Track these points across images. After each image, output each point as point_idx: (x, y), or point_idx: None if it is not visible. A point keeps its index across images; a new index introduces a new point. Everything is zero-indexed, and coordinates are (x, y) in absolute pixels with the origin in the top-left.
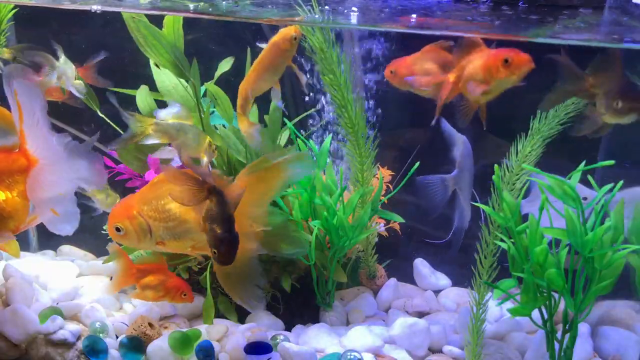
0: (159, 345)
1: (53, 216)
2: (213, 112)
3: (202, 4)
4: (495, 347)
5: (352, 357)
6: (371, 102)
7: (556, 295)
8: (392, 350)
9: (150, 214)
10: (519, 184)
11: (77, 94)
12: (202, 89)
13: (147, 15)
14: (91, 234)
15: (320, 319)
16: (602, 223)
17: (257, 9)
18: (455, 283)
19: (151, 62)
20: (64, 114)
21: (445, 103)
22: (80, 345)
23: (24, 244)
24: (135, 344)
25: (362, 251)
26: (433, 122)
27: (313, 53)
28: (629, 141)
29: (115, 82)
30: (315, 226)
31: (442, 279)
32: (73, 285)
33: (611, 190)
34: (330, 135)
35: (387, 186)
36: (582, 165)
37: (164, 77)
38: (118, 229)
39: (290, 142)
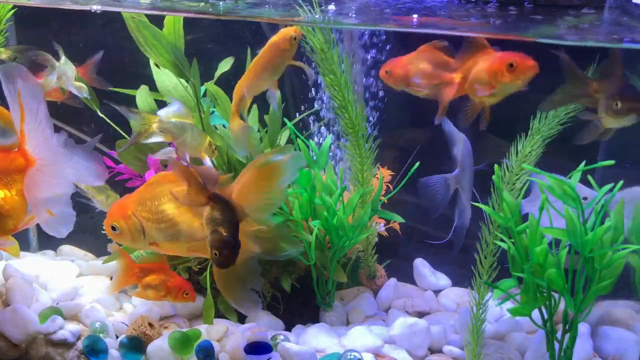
0: (159, 345)
1: (49, 217)
2: (213, 112)
3: (202, 4)
4: (495, 347)
5: (352, 357)
6: (371, 102)
7: (556, 295)
8: (392, 350)
9: (143, 215)
10: (519, 184)
11: (78, 95)
12: (202, 89)
13: (147, 15)
14: (91, 234)
15: (320, 319)
16: (602, 223)
17: (258, 9)
18: (455, 283)
19: (151, 62)
20: (64, 114)
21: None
22: (80, 345)
23: (24, 244)
24: (135, 344)
25: (362, 251)
26: (436, 122)
27: (313, 53)
28: (629, 141)
29: (115, 82)
30: (315, 226)
31: (442, 279)
32: (73, 285)
33: (611, 190)
34: (330, 135)
35: (387, 186)
36: (582, 165)
37: (164, 77)
38: (114, 228)
39: (290, 142)
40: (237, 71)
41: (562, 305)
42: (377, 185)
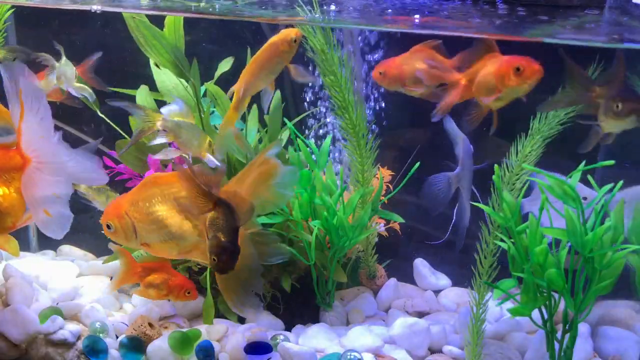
0: (159, 345)
1: (45, 217)
2: (213, 112)
3: (202, 3)
4: (495, 347)
5: (352, 357)
6: (371, 103)
7: (556, 295)
8: (392, 350)
9: (135, 215)
10: (519, 184)
11: (78, 95)
12: (202, 89)
13: (147, 15)
14: (91, 234)
15: (320, 319)
16: (602, 223)
17: (258, 10)
18: (455, 283)
19: (151, 62)
20: (64, 114)
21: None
22: (80, 345)
23: (24, 244)
24: (135, 344)
25: (362, 251)
26: (435, 119)
27: (313, 53)
28: (629, 141)
29: (116, 82)
30: (315, 226)
31: (442, 279)
32: (73, 285)
33: (611, 190)
34: (330, 135)
35: (387, 186)
36: (582, 165)
37: (164, 77)
38: (109, 226)
39: (290, 142)
40: (237, 71)
41: (562, 305)
42: (377, 186)
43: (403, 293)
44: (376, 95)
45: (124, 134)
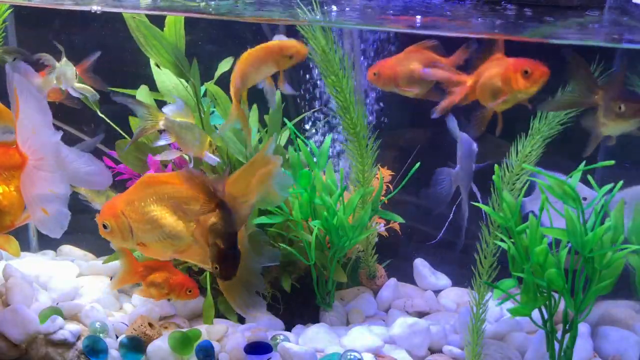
0: (159, 345)
1: (43, 216)
2: (213, 112)
3: (203, 3)
4: (495, 347)
5: (352, 357)
6: (374, 104)
7: (556, 295)
8: (392, 350)
9: (131, 215)
10: (519, 184)
11: (78, 95)
12: (202, 89)
13: (147, 15)
14: (91, 234)
15: (320, 319)
16: (602, 223)
17: (258, 10)
18: (455, 283)
19: (151, 62)
20: (63, 114)
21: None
22: (80, 345)
23: (24, 244)
24: (135, 344)
25: (362, 251)
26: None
27: (314, 53)
28: (629, 141)
29: (116, 82)
30: (315, 226)
31: (442, 279)
32: (73, 285)
33: (611, 190)
34: (331, 135)
35: (387, 186)
36: (582, 165)
37: (164, 77)
38: (105, 226)
39: (290, 142)
40: None
41: (562, 305)
42: (378, 186)
43: (403, 293)
44: (377, 95)
45: (124, 134)
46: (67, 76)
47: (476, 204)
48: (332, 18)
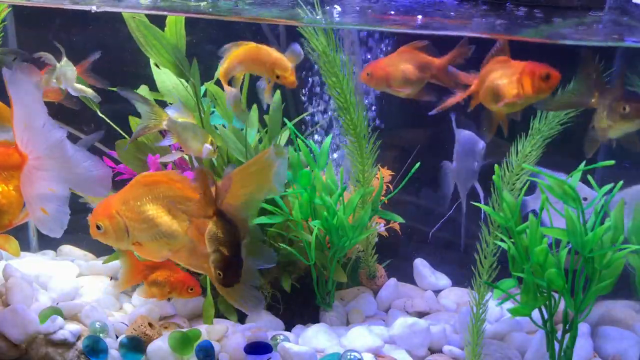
0: (159, 345)
1: (42, 215)
2: (213, 112)
3: (203, 3)
4: (495, 347)
5: (352, 357)
6: (374, 105)
7: (556, 295)
8: (392, 350)
9: (127, 214)
10: (519, 183)
11: (77, 95)
12: (202, 88)
13: (147, 15)
14: None
15: (320, 319)
16: (602, 223)
17: (259, 10)
18: (455, 283)
19: (151, 62)
20: (63, 114)
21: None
22: (80, 345)
23: (24, 244)
24: (135, 344)
25: (362, 251)
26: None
27: (313, 52)
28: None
29: (116, 82)
30: (315, 226)
31: (442, 279)
32: (73, 285)
33: (611, 190)
34: (331, 135)
35: (387, 186)
36: (582, 165)
37: (164, 77)
38: (98, 227)
39: (290, 142)
40: None
41: (562, 305)
42: (378, 186)
43: (403, 293)
44: (377, 95)
45: (124, 134)
46: (67, 76)
47: (476, 204)
48: (334, 19)
